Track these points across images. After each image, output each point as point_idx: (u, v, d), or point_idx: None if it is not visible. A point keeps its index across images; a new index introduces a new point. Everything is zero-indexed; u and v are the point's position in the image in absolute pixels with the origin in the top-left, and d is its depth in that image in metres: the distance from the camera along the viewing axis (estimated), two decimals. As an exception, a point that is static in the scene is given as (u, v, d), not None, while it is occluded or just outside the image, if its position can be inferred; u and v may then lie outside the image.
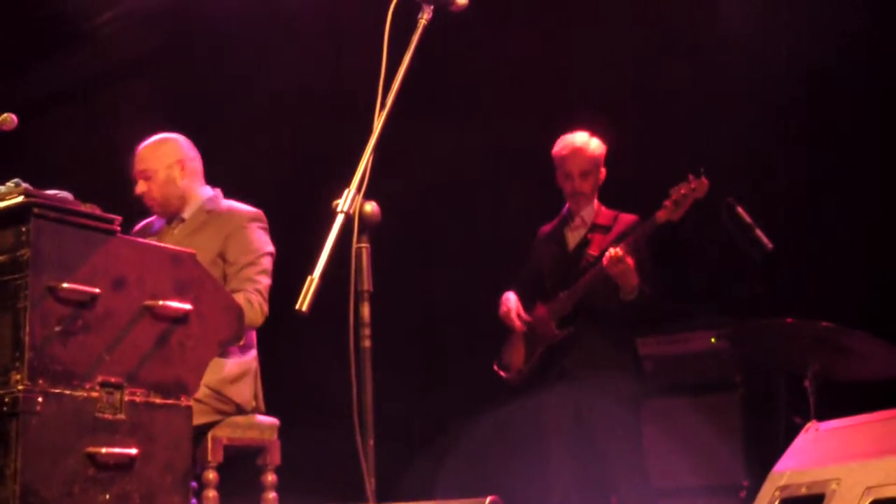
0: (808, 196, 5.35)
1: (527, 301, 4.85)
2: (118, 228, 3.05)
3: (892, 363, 4.07)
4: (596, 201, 4.86)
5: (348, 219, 2.69)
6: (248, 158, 6.70)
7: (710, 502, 5.07)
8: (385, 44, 2.83)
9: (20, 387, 2.78)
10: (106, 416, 2.95)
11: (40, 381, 2.82)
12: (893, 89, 5.06)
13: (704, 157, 4.74)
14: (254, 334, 4.15)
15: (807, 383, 4.14)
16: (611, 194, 4.89)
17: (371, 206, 2.73)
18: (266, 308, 4.04)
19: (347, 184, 2.72)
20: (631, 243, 4.54)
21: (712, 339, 5.24)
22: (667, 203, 4.51)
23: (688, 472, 5.09)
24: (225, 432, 3.93)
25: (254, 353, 4.14)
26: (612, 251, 4.48)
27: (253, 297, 3.99)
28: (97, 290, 2.94)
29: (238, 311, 3.38)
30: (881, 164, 5.11)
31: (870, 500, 2.77)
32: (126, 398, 3.00)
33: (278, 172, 6.75)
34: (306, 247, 3.02)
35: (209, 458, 3.86)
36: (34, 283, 2.83)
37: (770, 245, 4.48)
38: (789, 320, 4.15)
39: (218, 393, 3.91)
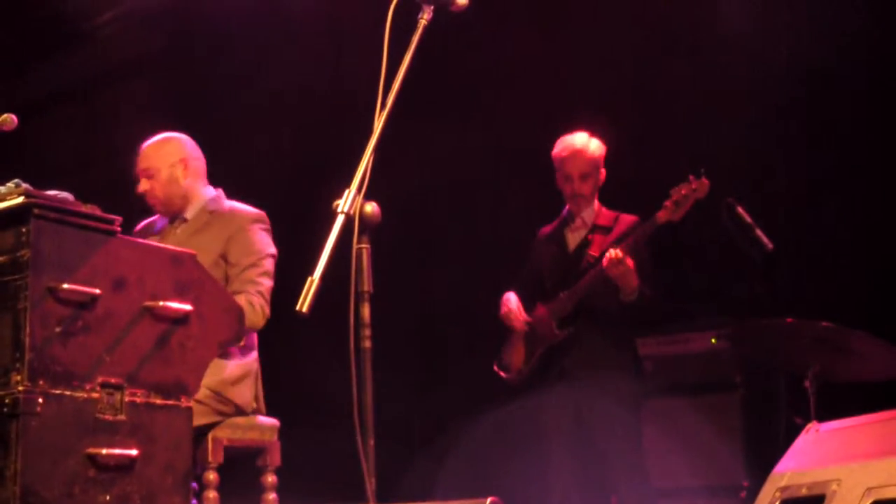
0: (808, 196, 5.35)
1: (527, 302, 4.84)
2: (118, 229, 3.04)
3: (892, 363, 4.07)
4: (596, 202, 4.86)
5: (348, 219, 2.69)
6: (248, 158, 6.70)
7: (710, 502, 5.07)
8: (385, 44, 2.83)
9: (20, 388, 2.78)
10: (106, 416, 2.95)
11: (40, 382, 2.81)
12: (893, 89, 5.06)
13: (704, 157, 4.74)
14: (255, 336, 4.14)
15: (807, 384, 4.14)
16: (611, 194, 4.89)
17: (371, 207, 2.73)
18: (268, 310, 4.04)
19: (348, 184, 2.72)
20: (631, 244, 4.54)
21: (712, 340, 5.24)
22: (667, 203, 4.50)
23: (688, 472, 5.09)
24: (225, 433, 3.93)
25: (255, 354, 4.14)
26: (611, 253, 4.48)
27: (254, 300, 3.99)
28: (97, 291, 2.94)
29: (238, 312, 3.38)
30: (881, 164, 5.10)
31: (870, 500, 2.77)
32: (126, 399, 2.99)
33: (278, 172, 6.75)
34: (306, 247, 3.02)
35: (209, 458, 3.86)
36: (34, 283, 2.83)
37: (770, 245, 4.48)
38: (789, 320, 4.15)
39: (218, 394, 3.91)
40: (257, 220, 4.19)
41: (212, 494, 3.83)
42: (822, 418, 3.48)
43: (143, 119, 5.64)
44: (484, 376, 4.96)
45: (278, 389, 4.34)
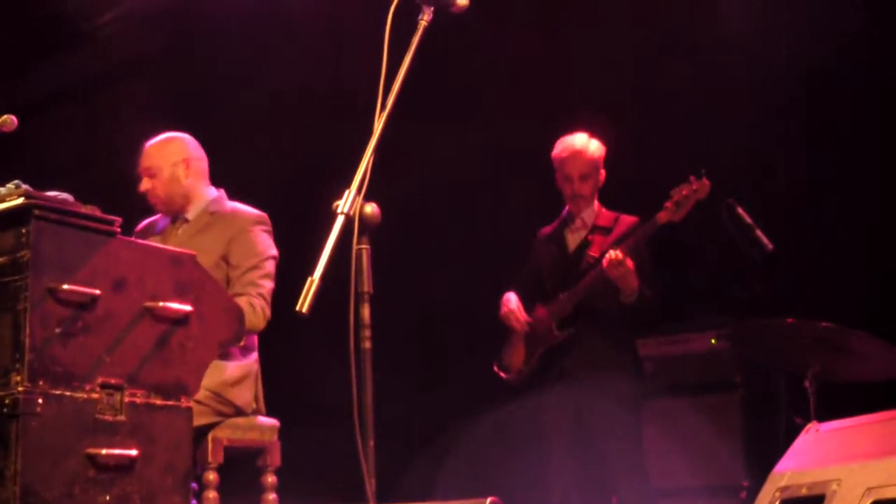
0: (808, 196, 5.35)
1: (526, 302, 4.84)
2: (118, 230, 3.05)
3: (892, 363, 4.07)
4: (596, 202, 4.86)
5: (348, 220, 2.69)
6: (248, 158, 6.70)
7: (710, 502, 5.07)
8: (385, 45, 2.83)
9: (20, 388, 2.78)
10: (106, 417, 2.95)
11: (40, 383, 2.82)
12: (893, 89, 5.06)
13: (704, 157, 4.74)
14: (255, 337, 4.14)
15: (807, 384, 4.14)
16: (611, 195, 4.89)
17: (371, 208, 2.73)
18: (269, 312, 4.03)
19: (348, 185, 2.72)
20: (631, 245, 4.54)
21: (712, 340, 5.24)
22: (668, 204, 4.50)
23: (688, 472, 5.09)
24: (225, 433, 3.93)
25: (255, 355, 4.13)
26: (611, 254, 4.48)
27: (256, 302, 3.99)
28: (97, 292, 2.94)
29: (238, 312, 3.39)
30: (881, 164, 5.10)
31: (870, 500, 2.78)
32: (126, 399, 2.99)
33: (278, 172, 6.75)
34: (306, 248, 3.02)
35: (209, 459, 3.86)
36: (34, 284, 2.83)
37: (770, 245, 4.48)
38: (789, 320, 4.15)
39: (218, 395, 3.91)
40: (259, 222, 4.18)
41: (212, 495, 3.83)
42: (822, 418, 3.48)
43: (144, 119, 5.65)
44: (484, 376, 4.96)
45: (278, 390, 4.34)
